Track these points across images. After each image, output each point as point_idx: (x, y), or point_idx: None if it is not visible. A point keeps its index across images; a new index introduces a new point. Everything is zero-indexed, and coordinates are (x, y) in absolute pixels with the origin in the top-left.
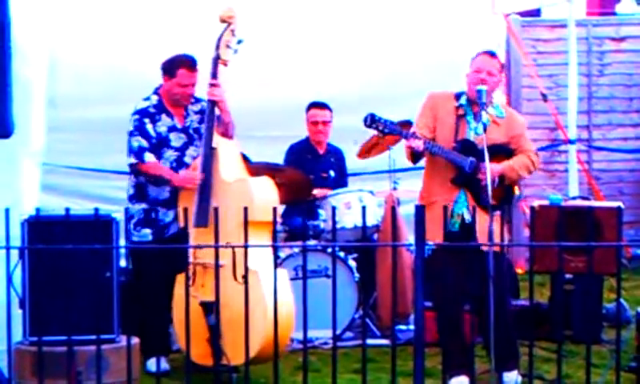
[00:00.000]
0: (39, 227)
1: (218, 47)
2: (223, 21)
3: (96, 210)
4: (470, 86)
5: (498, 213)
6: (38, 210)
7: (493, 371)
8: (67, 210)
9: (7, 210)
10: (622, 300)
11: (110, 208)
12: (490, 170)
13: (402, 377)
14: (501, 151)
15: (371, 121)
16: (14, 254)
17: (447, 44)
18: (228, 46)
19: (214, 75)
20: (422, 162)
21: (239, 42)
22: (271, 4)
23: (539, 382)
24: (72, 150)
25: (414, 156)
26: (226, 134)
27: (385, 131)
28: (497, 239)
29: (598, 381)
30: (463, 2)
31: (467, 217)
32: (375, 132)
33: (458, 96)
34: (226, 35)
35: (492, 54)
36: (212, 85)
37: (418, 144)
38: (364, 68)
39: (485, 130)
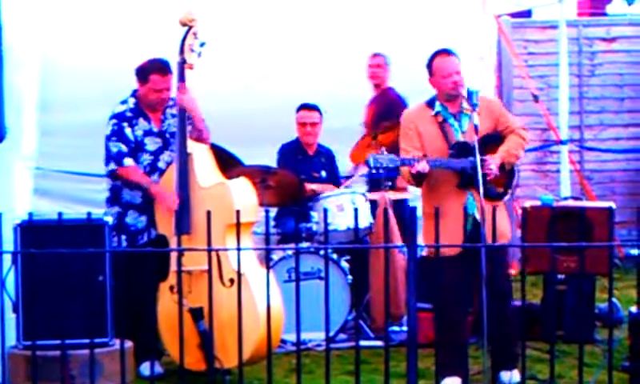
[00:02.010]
0: (32, 231)
1: (182, 51)
2: (184, 24)
3: (88, 214)
4: (443, 91)
5: (502, 202)
6: (30, 214)
7: (487, 371)
8: (60, 214)
9: (0, 215)
10: (614, 300)
11: (102, 212)
12: (493, 161)
13: (395, 378)
14: (492, 140)
15: (375, 162)
16: (7, 258)
17: (438, 45)
18: (192, 50)
19: (182, 80)
20: None
21: (202, 44)
22: (267, 7)
23: (532, 382)
24: (64, 155)
25: (419, 180)
26: (201, 138)
27: (391, 167)
28: (507, 233)
29: (591, 380)
30: (454, 4)
31: (478, 216)
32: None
33: (429, 104)
34: (189, 39)
35: (448, 52)
36: (180, 90)
37: (424, 166)
38: (355, 69)
39: (476, 130)
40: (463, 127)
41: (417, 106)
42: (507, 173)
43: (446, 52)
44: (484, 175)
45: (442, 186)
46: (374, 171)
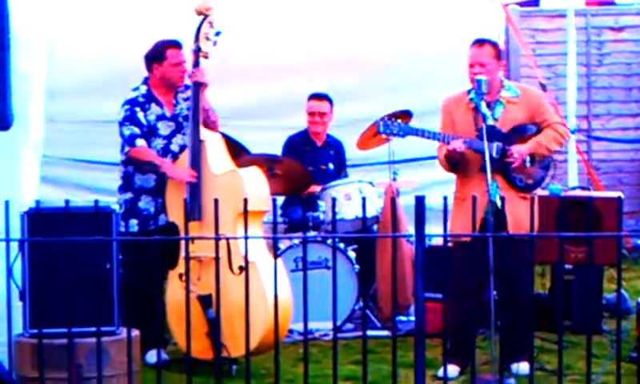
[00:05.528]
0: (39, 219)
1: (197, 39)
2: (200, 13)
3: (96, 201)
4: (470, 81)
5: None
6: (37, 202)
7: (494, 361)
8: (67, 201)
9: (7, 203)
10: (622, 290)
11: (109, 200)
12: (519, 150)
13: (402, 368)
14: (526, 130)
15: (384, 127)
16: (14, 246)
17: (446, 34)
18: (207, 38)
19: (197, 65)
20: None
21: (217, 33)
22: None
23: (540, 373)
24: (70, 142)
25: (453, 163)
26: (207, 122)
27: (401, 134)
28: (526, 225)
29: (599, 371)
30: None
31: (499, 203)
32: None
33: (469, 92)
34: (204, 27)
35: (480, 43)
36: (194, 73)
37: (460, 145)
38: (362, 57)
39: (484, 119)
40: (496, 115)
41: (458, 93)
42: (541, 167)
43: (477, 42)
44: (508, 164)
45: (471, 170)
46: (383, 136)
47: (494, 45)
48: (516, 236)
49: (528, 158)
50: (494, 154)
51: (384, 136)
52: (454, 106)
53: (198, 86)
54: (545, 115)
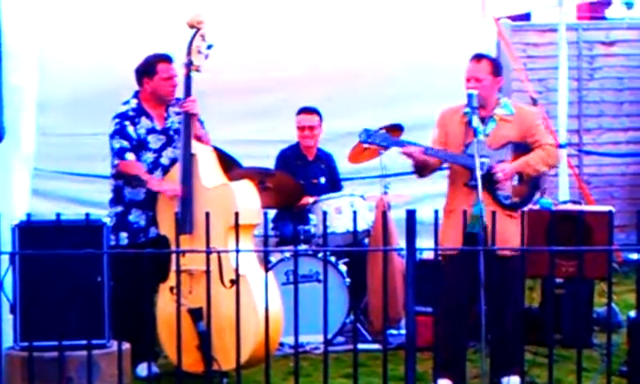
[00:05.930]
0: (30, 232)
1: (189, 53)
2: (192, 26)
3: (87, 215)
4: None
5: (518, 212)
6: (28, 215)
7: (485, 375)
8: (58, 215)
9: None
10: (612, 304)
11: (100, 213)
12: (504, 168)
13: (393, 381)
14: (517, 149)
15: (367, 136)
16: (5, 259)
17: (438, 48)
18: (199, 52)
19: (188, 83)
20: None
21: (209, 46)
22: (272, 9)
23: None
24: (61, 155)
25: (418, 168)
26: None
27: (383, 145)
28: (517, 240)
29: None
30: (453, 6)
31: (484, 220)
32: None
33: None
34: (196, 41)
35: (478, 58)
36: (186, 98)
37: (415, 149)
38: (354, 71)
39: (475, 134)
40: (487, 131)
41: (454, 106)
42: (530, 185)
43: (475, 57)
44: (494, 181)
45: (457, 183)
46: (365, 146)
47: (492, 61)
48: (507, 250)
49: (516, 177)
50: (475, 170)
51: (365, 146)
52: (449, 118)
53: (190, 116)
54: (537, 136)
